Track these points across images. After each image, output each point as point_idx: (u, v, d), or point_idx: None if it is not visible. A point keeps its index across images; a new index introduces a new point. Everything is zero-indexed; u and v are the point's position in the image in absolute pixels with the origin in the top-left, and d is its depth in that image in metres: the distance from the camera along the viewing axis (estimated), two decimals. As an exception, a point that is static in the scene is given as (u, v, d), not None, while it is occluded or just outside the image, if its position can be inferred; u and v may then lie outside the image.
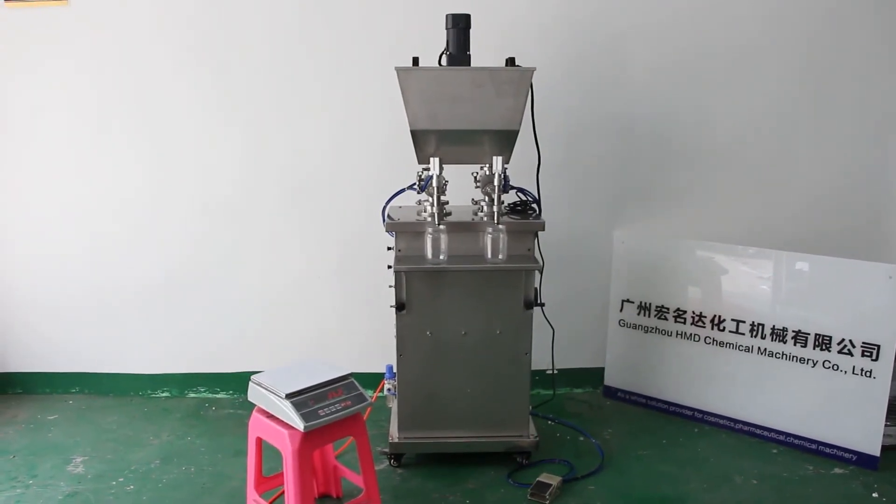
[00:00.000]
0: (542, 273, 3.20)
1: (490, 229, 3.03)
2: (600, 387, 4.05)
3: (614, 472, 3.25)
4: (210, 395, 4.06)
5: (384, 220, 3.23)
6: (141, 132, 3.77)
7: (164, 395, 4.08)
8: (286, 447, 2.55)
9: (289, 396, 2.55)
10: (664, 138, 3.83)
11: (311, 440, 2.57)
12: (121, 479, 3.21)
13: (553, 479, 3.08)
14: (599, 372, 4.02)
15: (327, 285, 3.94)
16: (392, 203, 3.24)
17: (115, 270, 3.93)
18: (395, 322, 3.17)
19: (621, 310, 3.88)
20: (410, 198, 3.24)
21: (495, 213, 2.98)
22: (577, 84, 3.75)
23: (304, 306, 3.97)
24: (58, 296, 3.97)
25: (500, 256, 3.04)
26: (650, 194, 3.91)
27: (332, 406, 2.60)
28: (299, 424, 2.50)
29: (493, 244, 3.03)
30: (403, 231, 3.10)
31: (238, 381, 4.00)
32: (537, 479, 3.10)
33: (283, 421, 2.59)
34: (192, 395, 4.07)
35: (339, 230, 3.88)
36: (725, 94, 3.79)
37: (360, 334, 3.97)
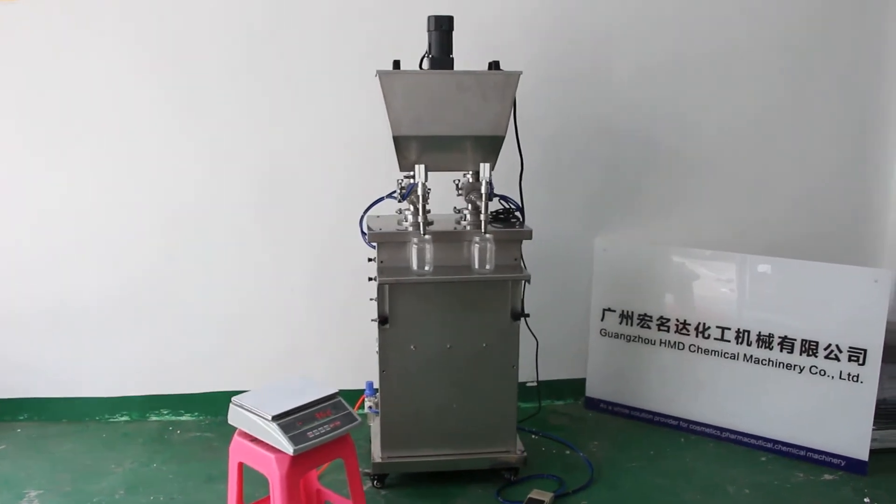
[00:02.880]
0: (529, 283, 3.20)
1: (477, 239, 3.01)
2: (581, 398, 4.07)
3: (605, 485, 3.27)
4: (174, 418, 3.95)
5: (362, 230, 3.20)
6: (99, 137, 3.65)
7: (123, 419, 3.94)
8: (273, 473, 2.49)
9: (275, 418, 2.49)
10: (647, 142, 3.90)
11: (299, 464, 2.51)
12: (83, 513, 3.10)
13: (545, 496, 3.09)
14: (580, 383, 4.05)
15: (299, 298, 3.88)
16: (369, 212, 3.22)
17: (69, 284, 3.79)
18: (376, 336, 3.14)
19: (602, 319, 3.91)
20: (386, 206, 3.22)
21: (482, 222, 2.97)
22: (555, 87, 3.78)
23: (274, 321, 3.89)
24: (3, 312, 3.80)
25: (488, 267, 3.03)
26: (632, 200, 3.96)
27: (321, 427, 2.54)
28: (288, 448, 2.44)
29: (481, 254, 3.02)
30: (386, 241, 3.07)
31: (204, 402, 3.91)
32: (528, 495, 3.10)
33: (269, 445, 2.52)
34: (155, 418, 3.95)
35: (310, 241, 3.83)
36: (708, 98, 3.88)
37: (333, 350, 3.92)
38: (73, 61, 3.57)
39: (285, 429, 2.47)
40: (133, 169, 3.70)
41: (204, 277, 3.83)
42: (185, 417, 3.95)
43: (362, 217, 3.23)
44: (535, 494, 3.11)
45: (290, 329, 3.91)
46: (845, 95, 3.96)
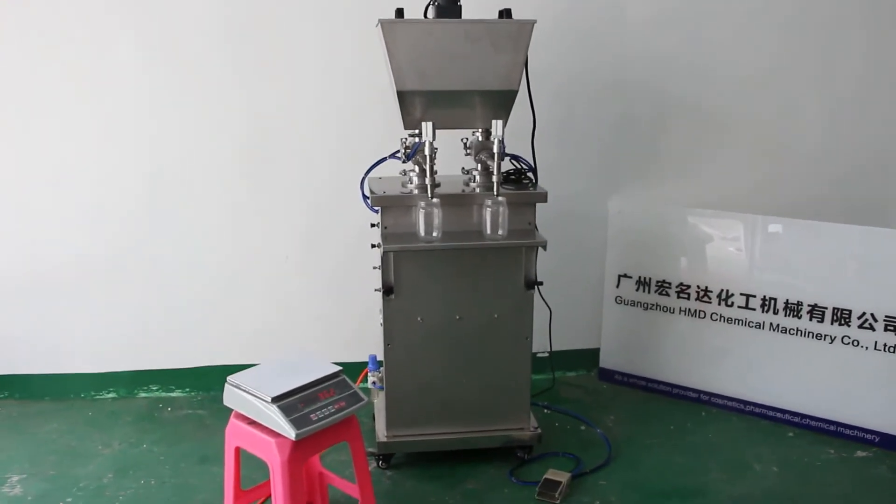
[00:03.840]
0: (545, 249, 3.06)
1: (489, 202, 2.85)
2: (595, 369, 3.97)
3: (624, 464, 3.16)
4: (164, 395, 3.83)
5: (363, 194, 3.04)
6: (75, 92, 3.48)
7: (110, 396, 3.83)
8: (274, 458, 2.36)
9: (275, 400, 2.36)
10: (662, 94, 3.74)
11: (302, 448, 2.39)
12: (69, 500, 2.96)
13: (562, 476, 2.98)
14: (594, 353, 3.94)
15: (292, 265, 3.75)
16: (370, 174, 3.06)
17: (50, 252, 3.65)
18: (379, 307, 3.02)
19: (618, 285, 3.79)
20: (387, 166, 3.06)
21: (495, 184, 2.81)
22: (565, 39, 3.60)
23: (266, 289, 3.77)
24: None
25: (501, 232, 2.87)
26: (648, 158, 3.82)
27: (324, 409, 2.42)
28: (290, 432, 2.31)
29: (493, 218, 2.85)
30: (391, 206, 2.91)
31: (196, 377, 3.80)
32: (544, 476, 2.99)
33: (268, 428, 2.39)
34: (144, 394, 3.84)
35: (304, 203, 3.69)
36: (727, 47, 3.73)
37: (330, 320, 3.81)
38: (45, 13, 3.37)
39: (286, 411, 2.35)
40: (113, 128, 3.54)
41: (191, 244, 3.70)
42: (176, 393, 3.83)
43: (363, 179, 3.07)
44: (551, 475, 2.99)
45: (284, 298, 3.79)
46: (876, 42, 3.79)
